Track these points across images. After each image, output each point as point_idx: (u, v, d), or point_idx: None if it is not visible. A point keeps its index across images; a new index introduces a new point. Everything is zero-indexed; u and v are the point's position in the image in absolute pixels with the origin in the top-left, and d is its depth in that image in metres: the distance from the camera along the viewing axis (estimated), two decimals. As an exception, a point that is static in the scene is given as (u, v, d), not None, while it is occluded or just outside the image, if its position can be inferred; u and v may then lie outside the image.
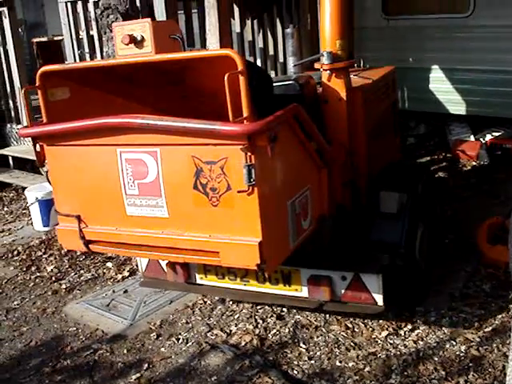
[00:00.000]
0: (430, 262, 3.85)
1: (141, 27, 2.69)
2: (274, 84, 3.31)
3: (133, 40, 2.69)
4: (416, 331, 3.42)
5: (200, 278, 3.60)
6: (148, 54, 2.70)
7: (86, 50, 5.93)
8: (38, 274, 4.65)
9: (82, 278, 4.52)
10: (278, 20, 6.17)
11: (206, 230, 2.63)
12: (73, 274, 4.60)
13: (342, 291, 3.25)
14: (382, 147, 4.06)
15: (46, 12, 12.46)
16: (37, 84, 2.88)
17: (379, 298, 3.16)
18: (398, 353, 3.24)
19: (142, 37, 2.69)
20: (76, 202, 2.98)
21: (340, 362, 3.22)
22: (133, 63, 2.77)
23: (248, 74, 2.39)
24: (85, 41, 5.93)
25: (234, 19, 5.88)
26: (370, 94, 3.74)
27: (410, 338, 3.35)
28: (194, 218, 2.66)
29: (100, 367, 3.37)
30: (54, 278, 4.55)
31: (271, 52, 6.25)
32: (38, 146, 2.94)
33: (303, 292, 3.32)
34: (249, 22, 6.05)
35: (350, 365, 3.18)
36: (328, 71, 3.32)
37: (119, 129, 2.66)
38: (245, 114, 2.36)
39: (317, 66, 3.40)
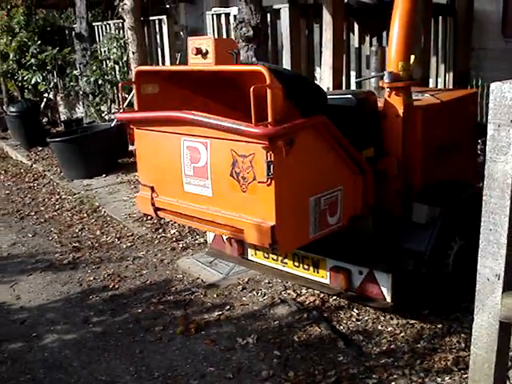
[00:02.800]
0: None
1: (206, 42, 3.10)
2: (334, 96, 3.63)
3: (199, 52, 3.11)
4: (455, 315, 3.82)
5: (251, 255, 4.11)
6: (208, 64, 3.10)
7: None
8: (163, 235, 5.63)
9: (196, 241, 5.43)
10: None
11: (236, 211, 3.13)
12: (190, 237, 5.54)
13: (358, 284, 3.57)
14: (451, 167, 4.14)
15: (204, 19, 13.78)
16: (133, 80, 3.52)
17: (388, 295, 3.45)
18: (433, 327, 3.69)
19: (207, 50, 3.08)
20: (151, 175, 3.62)
21: (381, 326, 3.73)
22: (196, 71, 3.26)
23: (286, 86, 2.85)
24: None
25: (353, 34, 6.53)
26: (434, 113, 3.91)
27: (447, 319, 3.86)
28: (229, 200, 3.16)
29: (193, 304, 4.24)
30: (174, 239, 5.51)
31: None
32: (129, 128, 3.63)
33: (327, 279, 3.72)
34: (368, 38, 6.66)
35: (389, 329, 3.69)
36: (388, 89, 3.61)
37: (181, 121, 3.20)
38: (269, 120, 2.81)
39: (380, 84, 3.68)
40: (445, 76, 7.21)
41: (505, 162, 2.28)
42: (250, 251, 4.11)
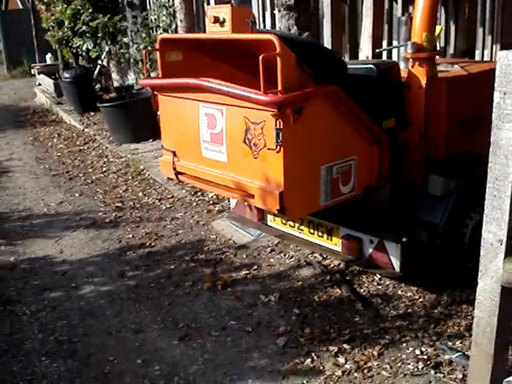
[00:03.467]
0: None
1: (224, 10, 3.14)
2: (355, 66, 3.65)
3: (217, 20, 3.16)
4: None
5: (270, 221, 4.19)
6: (225, 33, 3.15)
7: (269, 25, 6.99)
8: (201, 198, 5.84)
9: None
10: (442, 8, 6.64)
11: (249, 176, 3.21)
12: (226, 201, 5.57)
13: (369, 252, 3.59)
14: (479, 140, 3.86)
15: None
16: (157, 47, 3.57)
17: (397, 265, 3.47)
18: (452, 294, 3.73)
19: (224, 18, 3.14)
20: (173, 140, 3.72)
21: (401, 291, 3.80)
22: (215, 39, 3.30)
23: (301, 54, 2.89)
24: (267, 18, 6.96)
25: (396, 3, 6.48)
26: (459, 85, 3.85)
27: (469, 287, 3.86)
28: (242, 166, 3.23)
29: (223, 263, 4.44)
30: (211, 202, 5.71)
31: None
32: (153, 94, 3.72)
33: (339, 247, 3.75)
34: (411, 8, 6.60)
35: (408, 294, 3.76)
36: (411, 60, 3.60)
37: (199, 88, 3.26)
38: (279, 88, 2.85)
39: (403, 54, 3.69)
40: (491, 48, 7.06)
41: (509, 129, 2.34)
42: (270, 217, 4.18)
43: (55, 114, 11.22)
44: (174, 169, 3.71)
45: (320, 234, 3.87)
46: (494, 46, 7.08)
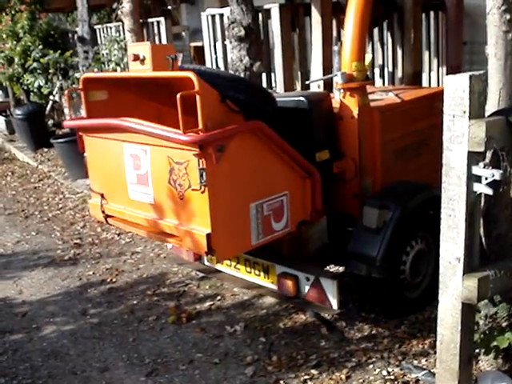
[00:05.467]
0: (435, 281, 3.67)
1: (144, 48, 3.09)
2: (285, 99, 3.59)
3: (137, 58, 3.10)
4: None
5: (207, 260, 4.07)
6: (146, 70, 3.09)
7: (221, 55, 7.06)
8: (161, 231, 5.87)
9: (192, 237, 5.66)
10: (388, 33, 6.84)
11: (176, 218, 3.13)
12: None
13: (306, 290, 3.46)
14: (419, 167, 4.07)
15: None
16: (80, 87, 3.47)
17: (334, 302, 3.35)
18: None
19: (144, 56, 3.08)
20: (100, 182, 3.64)
21: (365, 313, 3.83)
22: (139, 77, 3.23)
23: (225, 90, 2.88)
24: (219, 48, 7.04)
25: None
26: (393, 113, 3.84)
27: (431, 305, 3.95)
28: (169, 207, 3.15)
29: (186, 295, 4.42)
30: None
31: (379, 62, 6.94)
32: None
33: (276, 286, 3.61)
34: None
35: (372, 316, 3.79)
36: (342, 90, 3.60)
37: (120, 128, 3.17)
38: (200, 127, 2.80)
39: (335, 84, 3.64)
40: (438, 71, 7.31)
41: (460, 150, 2.43)
42: (206, 257, 4.01)
43: (8, 152, 11.03)
44: (103, 212, 3.60)
45: (257, 272, 3.75)
46: (441, 69, 7.34)
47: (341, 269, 4.17)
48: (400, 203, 3.49)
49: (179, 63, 3.31)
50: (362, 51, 3.59)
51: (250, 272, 3.79)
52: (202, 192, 2.88)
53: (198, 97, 2.78)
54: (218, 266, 4.02)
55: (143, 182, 3.26)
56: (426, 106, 4.18)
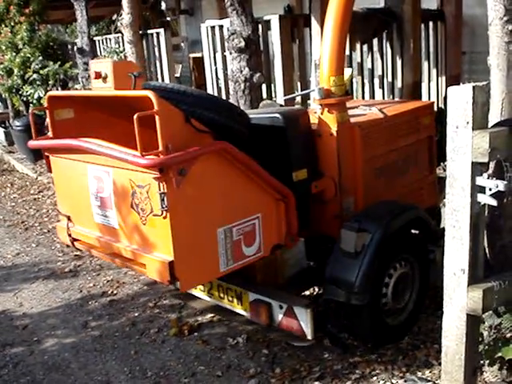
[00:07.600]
0: (420, 305, 3.68)
1: (105, 65, 3.02)
2: (259, 116, 3.43)
3: (99, 76, 3.04)
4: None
5: None
6: (108, 88, 3.01)
7: (220, 66, 7.08)
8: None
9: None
10: (387, 44, 6.87)
11: (139, 244, 2.98)
12: None
13: (279, 319, 3.27)
14: (405, 184, 3.98)
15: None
16: (45, 106, 3.31)
17: (308, 331, 3.17)
18: (418, 324, 3.83)
19: (106, 74, 3.02)
20: (67, 204, 3.49)
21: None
22: (95, 96, 3.14)
23: (190, 109, 2.75)
24: (219, 59, 7.06)
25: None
26: (375, 130, 3.69)
27: (433, 315, 3.94)
28: (132, 232, 3.00)
29: (187, 307, 4.32)
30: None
31: (379, 72, 6.96)
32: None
33: (249, 313, 3.44)
34: (358, 45, 6.80)
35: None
36: (320, 106, 3.44)
37: (82, 150, 3.02)
38: (160, 149, 2.63)
39: (313, 100, 3.46)
40: (437, 80, 7.34)
41: (463, 161, 2.42)
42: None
43: (7, 163, 11.02)
44: (69, 235, 3.46)
45: (230, 298, 3.56)
46: (440, 79, 7.37)
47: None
48: (380, 225, 3.29)
49: (144, 80, 3.18)
50: (340, 65, 3.44)
51: (223, 298, 3.61)
52: (164, 217, 2.72)
53: (157, 117, 2.62)
54: (193, 292, 3.84)
55: (107, 206, 3.12)
56: (411, 121, 4.04)
